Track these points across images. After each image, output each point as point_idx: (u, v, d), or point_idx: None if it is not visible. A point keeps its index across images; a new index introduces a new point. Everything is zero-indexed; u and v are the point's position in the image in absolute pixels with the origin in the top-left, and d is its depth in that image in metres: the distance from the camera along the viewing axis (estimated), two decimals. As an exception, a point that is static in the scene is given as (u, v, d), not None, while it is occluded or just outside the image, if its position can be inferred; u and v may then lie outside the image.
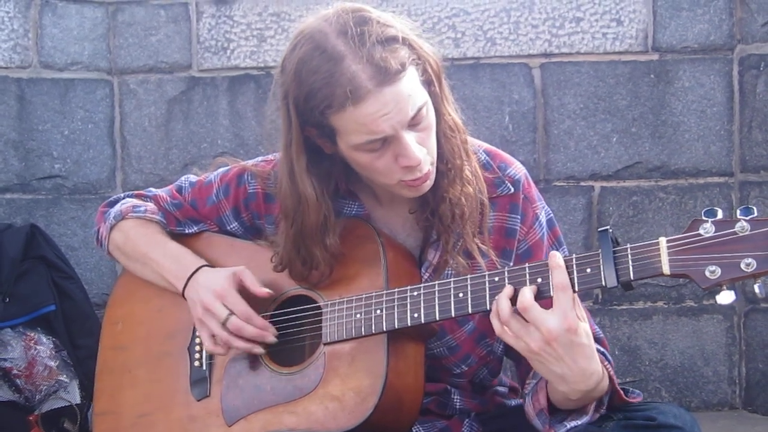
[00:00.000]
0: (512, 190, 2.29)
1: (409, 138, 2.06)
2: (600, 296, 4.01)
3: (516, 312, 1.94)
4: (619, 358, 3.99)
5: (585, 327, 1.94)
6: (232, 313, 2.26)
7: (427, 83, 2.13)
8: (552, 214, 2.37)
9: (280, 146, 2.19)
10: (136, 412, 2.47)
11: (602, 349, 2.19)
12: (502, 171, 2.30)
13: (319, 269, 2.23)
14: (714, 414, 3.94)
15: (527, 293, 1.93)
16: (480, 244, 2.21)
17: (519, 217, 2.29)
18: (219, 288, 2.28)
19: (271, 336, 2.26)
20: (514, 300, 1.96)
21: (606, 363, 2.12)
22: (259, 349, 2.26)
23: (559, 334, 1.90)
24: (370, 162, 2.11)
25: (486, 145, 2.35)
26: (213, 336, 2.29)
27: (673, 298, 4.00)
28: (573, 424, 2.08)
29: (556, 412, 2.12)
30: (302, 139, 2.13)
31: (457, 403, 2.34)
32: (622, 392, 2.13)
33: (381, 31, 2.03)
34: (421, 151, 2.08)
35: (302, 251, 2.22)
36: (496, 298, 1.97)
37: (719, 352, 4.00)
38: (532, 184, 2.34)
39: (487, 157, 2.32)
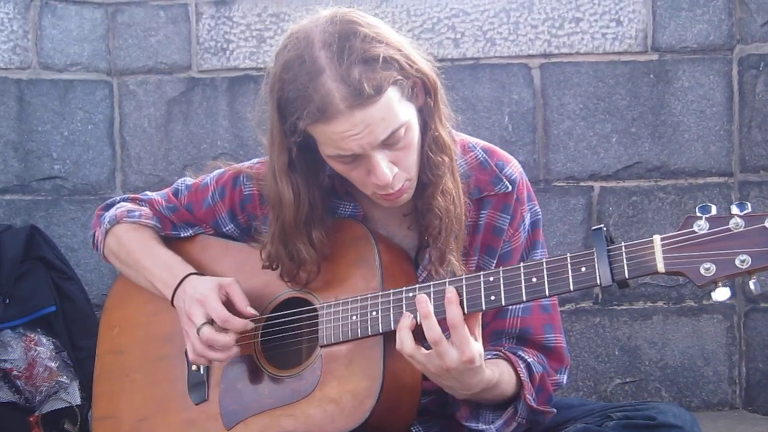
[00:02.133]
0: (509, 188, 2.29)
1: (380, 157, 2.06)
2: (600, 296, 4.01)
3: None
4: (618, 358, 4.00)
5: (480, 350, 2.00)
6: (206, 322, 2.25)
7: (417, 99, 2.12)
8: (539, 216, 2.37)
9: (267, 140, 2.19)
10: (135, 416, 2.47)
11: (530, 360, 2.24)
12: (500, 169, 2.30)
13: (306, 267, 2.23)
14: (714, 414, 3.94)
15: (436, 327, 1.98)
16: (454, 261, 2.21)
17: (509, 217, 2.30)
18: (200, 295, 2.28)
19: (236, 348, 2.25)
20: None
21: (520, 369, 2.19)
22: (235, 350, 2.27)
23: (457, 365, 1.98)
24: (345, 172, 2.13)
25: (483, 143, 2.35)
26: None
27: (673, 298, 4.00)
28: (485, 427, 2.18)
29: (474, 406, 2.21)
30: (284, 138, 2.12)
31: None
32: (530, 399, 2.17)
33: (365, 48, 2.01)
34: (393, 170, 2.08)
35: (289, 246, 2.23)
36: (398, 331, 2.02)
37: (719, 352, 4.00)
38: (526, 184, 2.34)
39: (484, 155, 2.32)
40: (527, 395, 2.16)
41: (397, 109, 2.05)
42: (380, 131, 2.03)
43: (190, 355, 2.31)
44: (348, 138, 2.02)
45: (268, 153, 2.19)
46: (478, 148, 2.32)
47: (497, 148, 2.35)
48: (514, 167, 2.32)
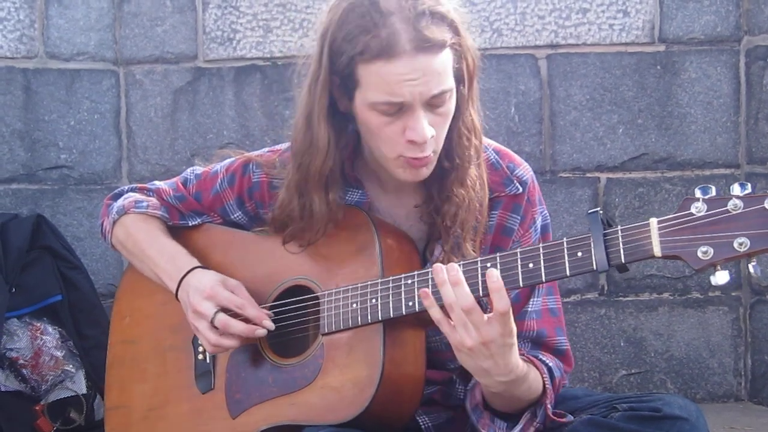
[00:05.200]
0: (520, 190, 2.29)
1: (424, 114, 2.07)
2: (605, 288, 4.01)
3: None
4: (624, 350, 3.99)
5: (514, 327, 1.98)
6: (219, 311, 2.26)
7: (459, 75, 2.13)
8: (549, 220, 2.38)
9: (304, 87, 2.19)
10: (145, 406, 2.49)
11: (551, 364, 2.24)
12: (511, 171, 2.31)
13: (312, 227, 2.23)
14: (719, 405, 3.94)
15: (469, 294, 1.94)
16: (470, 250, 2.21)
17: (519, 218, 2.30)
18: (209, 289, 2.29)
19: (261, 330, 2.25)
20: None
21: (545, 375, 2.18)
22: (261, 332, 2.26)
23: (496, 338, 1.94)
24: (379, 126, 2.11)
25: (495, 144, 2.36)
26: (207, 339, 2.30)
27: (679, 290, 4.00)
28: None
29: (494, 412, 2.19)
30: (329, 80, 2.12)
31: (461, 394, 2.34)
32: (549, 408, 2.16)
33: (433, 2, 2.06)
34: (430, 131, 2.08)
35: (304, 196, 2.23)
36: (447, 284, 1.97)
37: (725, 344, 4.00)
38: (537, 187, 2.35)
39: (496, 156, 2.32)
40: (548, 403, 2.16)
41: (449, 72, 2.08)
42: (434, 84, 2.05)
43: (208, 348, 2.32)
44: (404, 82, 2.03)
45: (306, 96, 2.18)
46: (489, 149, 2.33)
47: (509, 150, 2.37)
48: (526, 169, 2.33)
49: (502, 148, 2.36)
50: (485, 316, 1.94)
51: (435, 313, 1.99)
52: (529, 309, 2.28)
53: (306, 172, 2.20)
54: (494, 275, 1.94)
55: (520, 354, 2.11)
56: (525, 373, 2.08)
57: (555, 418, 2.17)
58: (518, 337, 2.15)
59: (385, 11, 2.03)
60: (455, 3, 2.13)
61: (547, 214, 2.37)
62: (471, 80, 2.17)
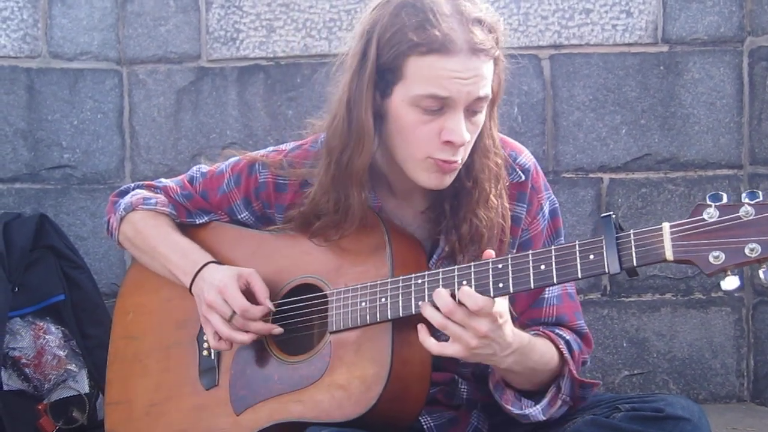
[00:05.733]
0: (523, 178, 2.31)
1: (463, 117, 2.10)
2: (608, 288, 4.01)
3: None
4: (626, 351, 3.99)
5: (504, 306, 2.02)
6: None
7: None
8: (557, 204, 2.39)
9: (342, 84, 2.19)
10: (147, 402, 2.49)
11: (568, 337, 2.26)
12: (513, 159, 2.32)
13: (346, 222, 2.23)
14: (722, 406, 3.93)
15: (446, 297, 2.00)
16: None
17: (525, 206, 2.31)
18: (221, 284, 2.30)
19: (278, 328, 2.27)
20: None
21: (561, 345, 2.20)
22: (278, 330, 2.28)
23: (490, 326, 1.99)
24: (414, 124, 2.12)
25: None
26: (216, 333, 2.30)
27: (682, 291, 3.99)
28: (529, 411, 2.17)
29: (519, 392, 2.22)
30: (375, 72, 2.13)
31: (464, 394, 2.34)
32: (574, 372, 2.19)
33: (484, 15, 2.11)
34: (467, 135, 2.11)
35: (340, 192, 2.22)
36: (437, 292, 2.03)
37: (727, 345, 4.00)
38: (541, 174, 2.36)
39: None
40: (572, 369, 2.18)
41: (491, 81, 2.13)
42: (481, 86, 2.09)
43: (213, 342, 2.32)
44: (455, 79, 2.05)
45: (349, 89, 2.17)
46: None
47: (509, 139, 2.38)
48: (527, 157, 2.34)
49: (503, 136, 2.36)
50: (468, 312, 1.98)
51: (437, 317, 2.04)
52: (547, 295, 2.29)
53: (346, 167, 2.20)
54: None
55: (535, 330, 2.17)
56: (528, 340, 2.11)
57: (584, 380, 2.20)
58: (538, 323, 2.23)
59: (444, 11, 2.07)
60: (502, 21, 2.17)
61: (555, 200, 2.38)
62: (495, 100, 2.20)
